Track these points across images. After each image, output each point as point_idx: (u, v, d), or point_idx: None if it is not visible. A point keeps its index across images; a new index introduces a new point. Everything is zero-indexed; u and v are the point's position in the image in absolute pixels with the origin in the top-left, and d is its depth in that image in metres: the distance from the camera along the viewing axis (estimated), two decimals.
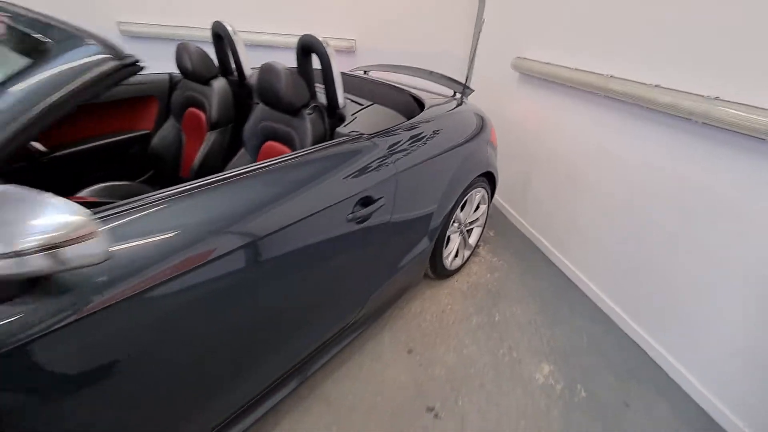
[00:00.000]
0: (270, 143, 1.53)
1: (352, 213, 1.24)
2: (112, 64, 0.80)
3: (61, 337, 0.68)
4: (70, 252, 0.58)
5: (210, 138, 1.89)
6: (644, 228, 1.90)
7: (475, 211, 2.23)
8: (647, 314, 1.92)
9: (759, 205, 1.40)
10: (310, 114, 1.42)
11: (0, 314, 0.64)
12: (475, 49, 2.25)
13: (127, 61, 0.82)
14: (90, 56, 0.80)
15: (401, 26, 3.40)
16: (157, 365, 0.87)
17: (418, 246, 1.74)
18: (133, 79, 1.28)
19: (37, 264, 0.56)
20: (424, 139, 1.58)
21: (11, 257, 0.54)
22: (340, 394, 1.55)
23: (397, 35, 3.41)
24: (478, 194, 2.14)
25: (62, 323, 0.68)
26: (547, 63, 2.48)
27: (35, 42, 0.84)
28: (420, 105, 1.85)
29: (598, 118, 2.16)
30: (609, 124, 2.08)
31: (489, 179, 2.17)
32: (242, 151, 1.63)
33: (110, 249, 0.65)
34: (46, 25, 0.89)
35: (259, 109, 1.57)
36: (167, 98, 2.05)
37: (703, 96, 1.52)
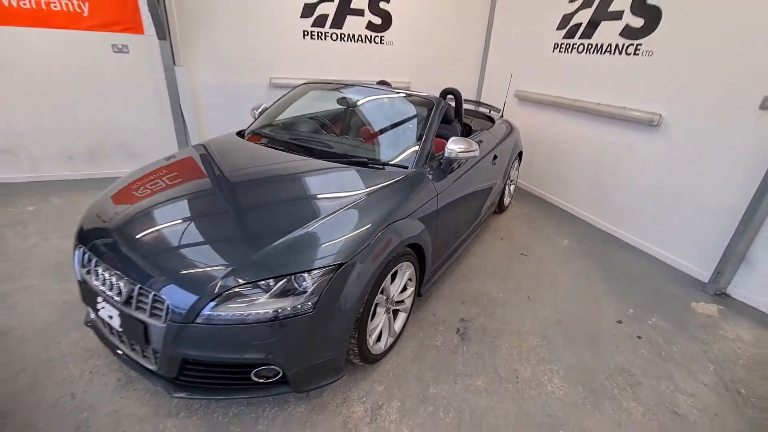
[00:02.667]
0: None
1: (492, 162, 3.07)
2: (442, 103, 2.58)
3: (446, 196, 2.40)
4: None
5: None
6: (594, 169, 3.91)
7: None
8: (608, 214, 3.91)
9: (637, 149, 3.43)
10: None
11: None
12: (507, 90, 4.18)
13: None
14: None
15: (437, 72, 5.33)
16: (455, 215, 2.61)
17: (495, 189, 3.56)
18: None
19: None
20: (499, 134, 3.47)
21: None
22: (480, 253, 3.33)
23: (432, 76, 5.32)
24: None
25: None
26: (534, 92, 4.54)
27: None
28: (491, 120, 3.74)
29: (564, 118, 4.19)
30: (569, 121, 4.13)
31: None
32: None
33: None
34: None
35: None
36: None
37: (598, 103, 3.57)
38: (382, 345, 2.05)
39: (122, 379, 1.89)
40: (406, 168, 2.25)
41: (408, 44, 5.11)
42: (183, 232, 1.76)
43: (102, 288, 1.63)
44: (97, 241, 1.76)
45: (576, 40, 4.12)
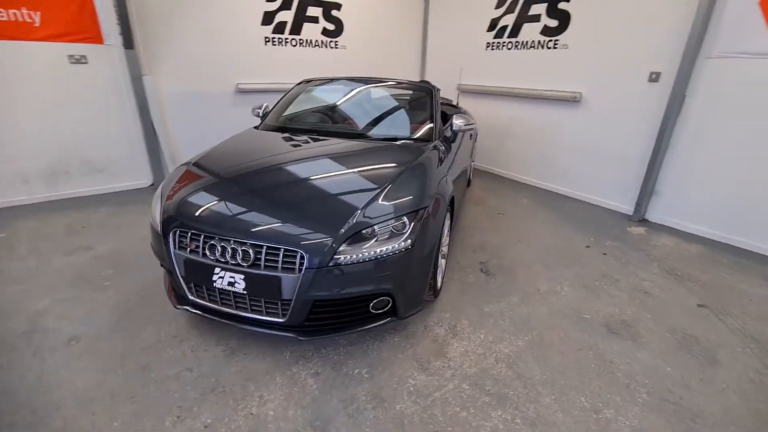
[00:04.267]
0: None
1: (470, 137, 3.71)
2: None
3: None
4: None
5: None
6: (534, 142, 4.83)
7: None
8: (551, 176, 4.84)
9: (565, 121, 4.39)
10: None
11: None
12: (459, 82, 4.90)
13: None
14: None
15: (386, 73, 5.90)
16: (458, 178, 3.17)
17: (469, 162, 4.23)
18: None
19: None
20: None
21: None
22: (468, 217, 3.93)
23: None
24: None
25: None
26: (474, 85, 5.36)
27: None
28: (454, 107, 4.40)
29: (503, 104, 5.07)
30: (509, 106, 5.02)
31: None
32: None
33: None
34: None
35: None
36: None
37: (530, 88, 4.49)
38: (439, 282, 2.50)
39: (227, 349, 2.04)
40: (429, 141, 2.74)
41: (359, 48, 5.59)
42: (293, 195, 2.07)
43: (220, 258, 1.81)
44: (200, 218, 1.92)
45: (505, 39, 5.01)
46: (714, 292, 2.71)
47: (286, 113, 3.26)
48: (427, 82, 3.47)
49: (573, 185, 4.63)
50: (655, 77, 3.72)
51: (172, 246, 1.94)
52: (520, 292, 2.64)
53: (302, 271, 1.74)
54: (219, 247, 1.81)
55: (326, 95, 3.47)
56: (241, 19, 4.57)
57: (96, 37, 3.82)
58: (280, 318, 1.86)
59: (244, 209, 1.98)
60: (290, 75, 4.97)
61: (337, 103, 3.35)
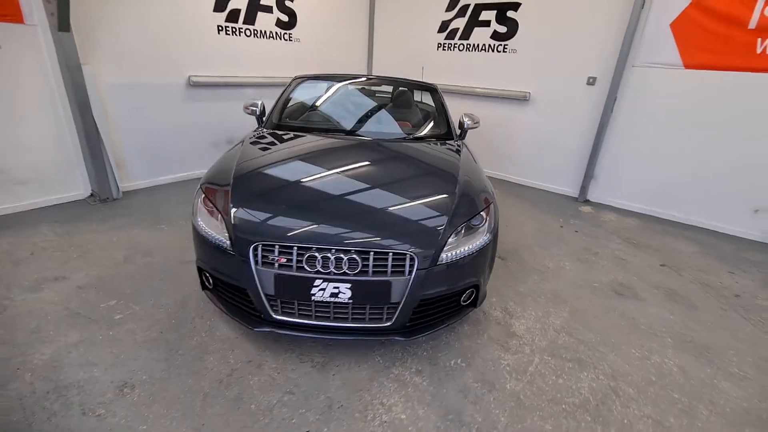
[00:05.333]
0: None
1: None
2: None
3: None
4: None
5: None
6: (490, 138, 5.34)
7: None
8: (508, 168, 5.40)
9: (516, 117, 4.97)
10: None
11: None
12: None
13: None
14: None
15: (337, 69, 5.83)
16: None
17: None
18: None
19: None
20: None
21: None
22: None
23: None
24: None
25: None
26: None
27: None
28: None
29: (459, 102, 5.48)
30: (464, 104, 5.43)
31: None
32: None
33: None
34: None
35: None
36: None
37: (485, 88, 4.99)
38: None
39: (314, 364, 1.94)
40: (451, 138, 2.91)
41: (312, 42, 5.39)
42: (379, 199, 2.04)
43: (322, 269, 1.72)
44: (290, 230, 1.79)
45: (456, 41, 5.39)
46: (664, 253, 3.44)
47: (303, 113, 3.11)
48: (426, 82, 3.60)
49: (528, 175, 5.26)
50: (592, 81, 4.45)
51: (253, 263, 1.76)
52: (536, 271, 3.00)
53: (413, 273, 1.76)
54: (320, 258, 1.72)
55: (336, 94, 3.35)
56: (191, 3, 4.05)
57: (14, 15, 3.03)
58: (384, 323, 1.84)
59: (335, 217, 1.90)
60: (246, 68, 4.65)
61: (355, 103, 3.28)
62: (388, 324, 1.84)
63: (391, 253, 1.75)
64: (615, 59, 4.18)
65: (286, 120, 3.02)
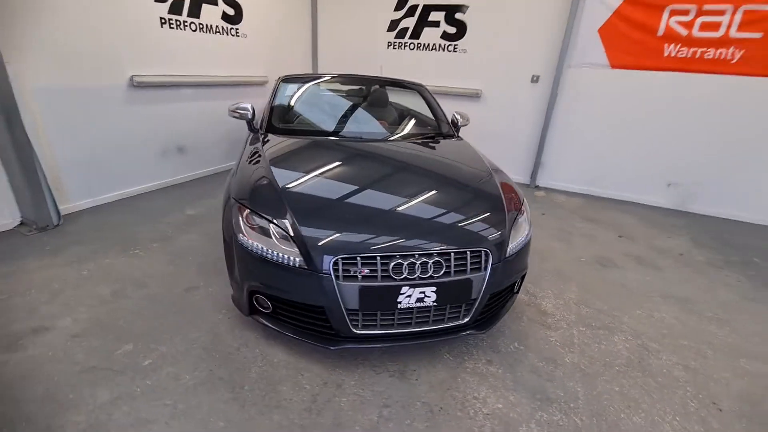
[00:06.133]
0: None
1: None
2: None
3: None
4: None
5: None
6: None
7: None
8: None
9: (470, 113, 5.33)
10: None
11: None
12: None
13: None
14: None
15: (288, 67, 5.56)
16: None
17: None
18: None
19: None
20: None
21: None
22: None
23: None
24: None
25: None
26: None
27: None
28: None
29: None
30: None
31: None
32: None
33: None
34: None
35: None
36: None
37: (438, 85, 5.28)
38: None
39: (393, 373, 1.92)
40: (455, 135, 3.04)
41: (258, 37, 5.05)
42: (435, 199, 2.08)
43: (409, 276, 1.71)
44: (371, 241, 1.73)
45: (407, 40, 5.52)
46: (615, 227, 4.04)
47: (302, 116, 2.95)
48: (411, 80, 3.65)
49: None
50: (536, 79, 4.96)
51: (334, 278, 1.67)
52: (531, 254, 3.29)
53: (488, 269, 1.85)
54: (406, 265, 1.70)
55: (331, 95, 3.23)
56: None
57: None
58: (462, 320, 1.90)
59: (405, 223, 1.88)
60: (194, 66, 4.24)
61: (354, 104, 3.19)
62: (466, 320, 1.89)
63: (468, 252, 1.81)
64: (556, 60, 4.72)
65: (297, 124, 2.86)
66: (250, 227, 1.84)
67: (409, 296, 1.73)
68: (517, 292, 2.26)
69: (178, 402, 1.67)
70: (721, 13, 4.04)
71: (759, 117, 4.14)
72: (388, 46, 5.66)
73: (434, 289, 1.75)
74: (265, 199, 1.93)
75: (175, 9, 3.92)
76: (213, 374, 1.83)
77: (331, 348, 1.79)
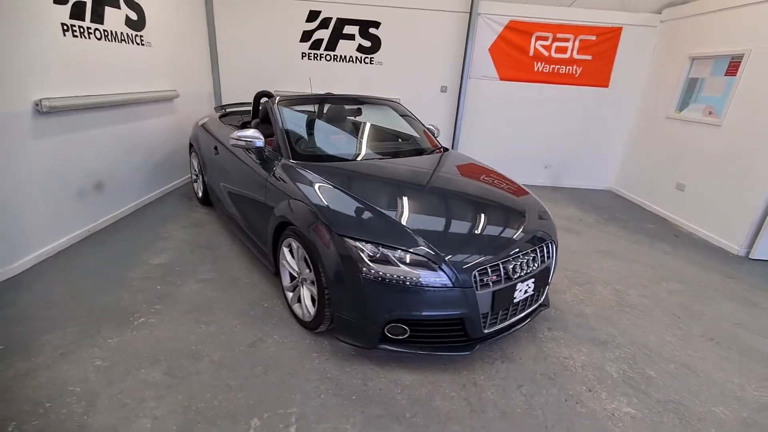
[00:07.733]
0: None
1: None
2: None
3: None
4: None
5: None
6: None
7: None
8: None
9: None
10: None
11: None
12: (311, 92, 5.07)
13: None
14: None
15: (198, 81, 4.91)
16: None
17: None
18: None
19: None
20: None
21: None
22: None
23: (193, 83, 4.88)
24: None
25: None
26: (293, 92, 5.67)
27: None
28: None
29: None
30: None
31: None
32: None
33: None
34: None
35: None
36: None
37: (359, 96, 5.66)
38: None
39: (504, 359, 2.24)
40: (449, 149, 3.44)
41: (162, 45, 4.33)
42: (495, 206, 2.50)
43: (520, 275, 2.08)
44: (489, 252, 2.01)
45: (322, 51, 5.56)
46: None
47: (319, 140, 2.91)
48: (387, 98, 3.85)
49: None
50: (444, 89, 5.74)
51: (475, 289, 1.91)
52: None
53: (554, 255, 2.35)
54: (518, 265, 2.06)
55: (327, 119, 3.22)
56: None
57: None
58: (539, 300, 2.36)
59: (500, 229, 2.20)
60: (104, 81, 3.53)
61: (356, 124, 3.29)
62: (541, 300, 2.36)
63: (548, 244, 2.27)
64: (459, 72, 5.57)
65: (317, 149, 2.80)
66: (381, 263, 1.87)
67: (520, 291, 2.08)
68: None
69: None
70: (567, 40, 5.51)
71: (592, 114, 5.84)
72: (303, 56, 5.58)
73: (533, 280, 2.15)
74: (386, 230, 1.97)
75: (77, 13, 3.10)
76: (367, 414, 1.81)
77: (469, 352, 2.00)
